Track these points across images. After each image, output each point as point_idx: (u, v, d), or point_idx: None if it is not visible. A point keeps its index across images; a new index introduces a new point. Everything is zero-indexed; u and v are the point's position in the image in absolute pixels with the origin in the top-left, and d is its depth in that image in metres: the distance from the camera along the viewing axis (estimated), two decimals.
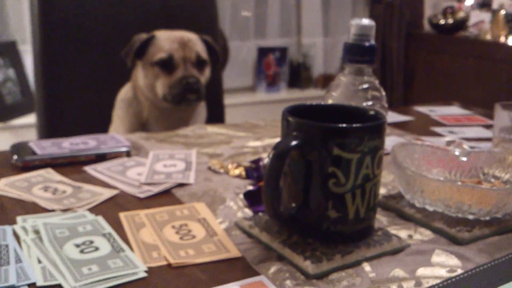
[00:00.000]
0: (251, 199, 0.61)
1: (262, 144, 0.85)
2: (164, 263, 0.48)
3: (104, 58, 1.30)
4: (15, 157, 0.71)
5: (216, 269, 0.48)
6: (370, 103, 0.63)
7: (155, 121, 1.24)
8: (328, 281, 0.46)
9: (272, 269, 0.47)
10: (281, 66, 2.81)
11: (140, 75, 1.22)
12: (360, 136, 0.47)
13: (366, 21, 0.63)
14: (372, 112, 0.53)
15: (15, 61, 2.15)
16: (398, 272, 0.47)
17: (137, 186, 0.66)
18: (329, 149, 0.47)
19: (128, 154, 0.77)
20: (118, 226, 0.55)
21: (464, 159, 0.65)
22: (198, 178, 0.69)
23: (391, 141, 0.79)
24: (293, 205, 0.50)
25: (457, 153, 0.66)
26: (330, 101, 0.65)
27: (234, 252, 0.50)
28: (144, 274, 0.46)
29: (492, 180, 0.64)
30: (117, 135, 0.82)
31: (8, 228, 0.53)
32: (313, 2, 2.85)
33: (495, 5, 2.60)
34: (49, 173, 0.69)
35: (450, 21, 2.67)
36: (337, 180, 0.48)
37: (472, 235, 0.53)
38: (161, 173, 0.69)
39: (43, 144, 0.75)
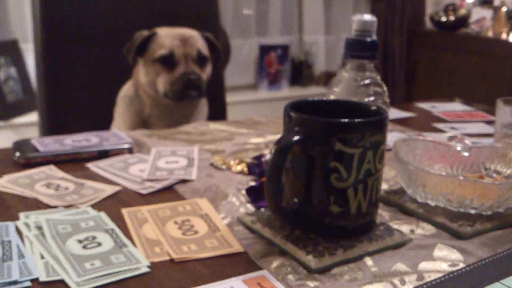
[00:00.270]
0: (253, 194, 0.61)
1: (264, 140, 0.86)
2: (167, 258, 0.49)
3: (106, 56, 1.30)
4: (17, 154, 0.71)
5: (219, 264, 0.48)
6: (372, 98, 0.64)
7: (156, 118, 1.24)
8: (330, 276, 0.46)
9: (275, 264, 0.47)
10: (282, 64, 2.81)
11: (141, 72, 1.22)
12: (362, 131, 0.47)
13: (367, 17, 0.63)
14: (374, 107, 0.53)
15: (17, 59, 2.15)
16: (400, 266, 0.47)
17: (139, 183, 0.66)
18: (331, 144, 0.47)
19: (130, 151, 0.77)
20: (120, 222, 0.55)
21: (466, 154, 0.65)
22: (200, 175, 0.69)
23: (393, 137, 0.79)
24: (295, 200, 0.50)
25: (459, 148, 0.66)
26: (332, 97, 0.65)
27: (237, 247, 0.50)
28: (147, 269, 0.46)
29: (494, 175, 0.64)
30: (119, 132, 0.82)
31: (11, 224, 0.53)
32: None
33: (496, 2, 2.61)
34: (52, 170, 0.69)
35: (452, 18, 2.67)
36: (339, 175, 0.48)
37: (474, 230, 0.53)
38: (163, 170, 0.70)
39: (45, 141, 0.76)
